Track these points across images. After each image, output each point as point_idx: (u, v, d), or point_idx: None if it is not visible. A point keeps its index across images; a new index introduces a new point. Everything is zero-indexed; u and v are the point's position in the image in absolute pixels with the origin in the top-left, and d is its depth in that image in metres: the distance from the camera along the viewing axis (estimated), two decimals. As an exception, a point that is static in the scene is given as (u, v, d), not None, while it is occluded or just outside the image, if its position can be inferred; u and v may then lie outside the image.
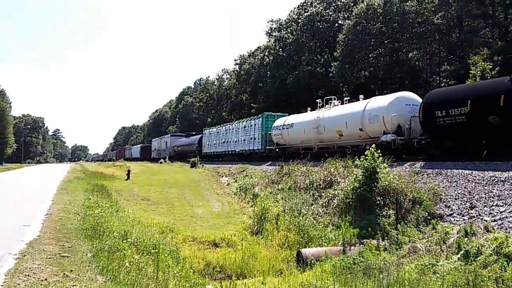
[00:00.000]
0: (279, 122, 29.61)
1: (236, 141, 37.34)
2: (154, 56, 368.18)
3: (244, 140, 35.22)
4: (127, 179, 27.56)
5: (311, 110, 27.03)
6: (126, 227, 10.58)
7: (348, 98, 24.40)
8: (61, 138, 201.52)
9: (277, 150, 29.39)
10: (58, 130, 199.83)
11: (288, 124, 27.65)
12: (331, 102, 24.28)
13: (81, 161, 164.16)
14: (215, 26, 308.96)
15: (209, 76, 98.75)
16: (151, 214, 16.12)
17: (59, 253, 7.26)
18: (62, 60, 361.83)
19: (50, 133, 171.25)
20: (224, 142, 40.56)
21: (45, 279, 5.77)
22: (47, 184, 21.44)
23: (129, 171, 29.38)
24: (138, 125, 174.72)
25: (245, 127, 35.45)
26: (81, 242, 8.35)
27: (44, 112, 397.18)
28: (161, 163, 53.07)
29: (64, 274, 6.12)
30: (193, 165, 39.14)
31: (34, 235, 8.44)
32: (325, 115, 23.48)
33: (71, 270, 6.35)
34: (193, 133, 59.71)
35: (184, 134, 64.54)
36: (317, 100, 26.04)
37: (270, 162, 27.63)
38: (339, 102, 24.17)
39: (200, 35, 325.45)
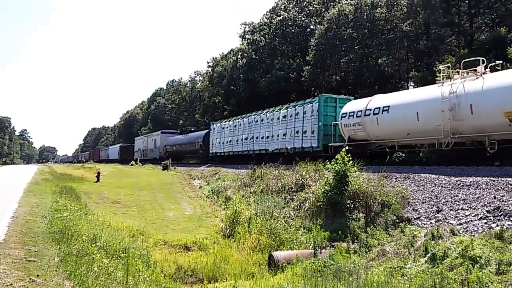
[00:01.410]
0: (354, 106, 20.47)
1: (268, 137, 27.69)
2: (125, 56, 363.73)
3: (284, 135, 25.57)
4: (96, 182, 27.09)
5: (415, 87, 19.20)
6: (95, 230, 10.39)
7: (501, 62, 16.89)
8: (29, 139, 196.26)
9: (349, 148, 18.66)
10: (26, 130, 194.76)
11: (378, 108, 18.36)
12: (463, 70, 15.84)
13: (49, 162, 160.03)
14: (188, 27, 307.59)
15: (181, 78, 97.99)
16: (121, 217, 15.89)
17: (25, 257, 7.08)
18: (29, 59, 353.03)
19: (17, 133, 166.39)
20: (246, 139, 31.09)
21: (11, 284, 5.63)
22: (14, 186, 20.84)
23: (99, 173, 28.87)
24: (108, 126, 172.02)
25: (285, 116, 25.87)
26: (48, 246, 8.16)
27: (10, 111, 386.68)
28: (132, 165, 52.28)
29: (30, 279, 5.97)
30: (165, 168, 38.85)
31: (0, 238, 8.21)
32: (470, 88, 14.59)
33: (38, 275, 6.20)
34: (192, 129, 51.43)
35: (177, 131, 56.21)
36: (440, 68, 16.83)
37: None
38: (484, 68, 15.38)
39: (173, 36, 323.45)
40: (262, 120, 29.05)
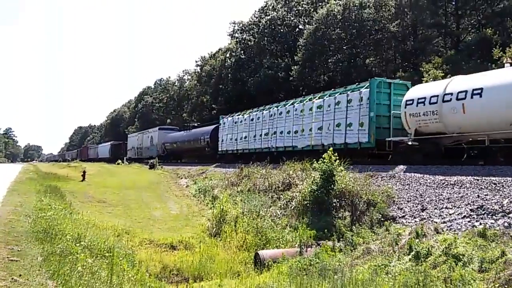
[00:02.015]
0: (425, 90, 16.41)
1: (297, 132, 23.26)
2: (113, 54, 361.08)
3: (320, 128, 21.17)
4: (82, 181, 26.82)
5: None
6: (79, 230, 10.29)
7: None
8: (13, 137, 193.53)
9: (413, 143, 16.28)
10: (10, 129, 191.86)
11: (463, 91, 14.32)
12: None
13: (34, 161, 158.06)
14: (177, 26, 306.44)
15: (169, 77, 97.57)
16: (107, 217, 15.76)
17: (8, 257, 6.97)
18: (13, 56, 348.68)
19: (1, 132, 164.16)
20: (266, 134, 26.66)
21: (-8, 284, 5.54)
22: (-3, 185, 20.52)
23: (84, 172, 28.58)
24: (95, 125, 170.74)
25: (320, 107, 21.44)
26: (31, 245, 8.05)
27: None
28: (118, 164, 51.85)
29: (12, 278, 5.88)
30: (152, 167, 38.63)
31: (-19, 238, 8.08)
32: None
33: (20, 275, 6.11)
34: (196, 124, 47.07)
35: (176, 127, 52.64)
36: None
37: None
38: None
39: (161, 35, 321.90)
40: (288, 112, 24.58)
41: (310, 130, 22.01)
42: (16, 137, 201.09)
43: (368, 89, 18.55)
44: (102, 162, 62.47)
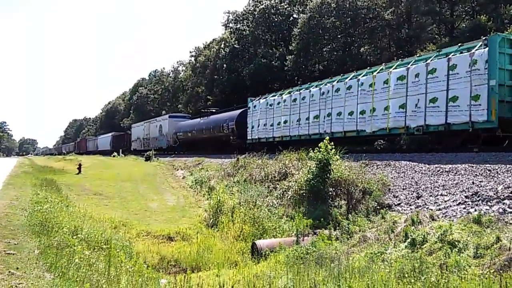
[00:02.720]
0: None
1: (364, 112, 18.45)
2: (107, 46, 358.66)
3: (401, 106, 16.53)
4: (78, 173, 26.75)
5: None
6: (76, 222, 10.29)
7: None
8: (8, 131, 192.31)
9: None
10: (5, 122, 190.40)
11: None
12: None
13: (29, 155, 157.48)
14: (170, 16, 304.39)
15: (164, 68, 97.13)
16: (104, 209, 15.77)
17: (4, 251, 6.98)
18: (6, 50, 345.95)
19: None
20: (316, 117, 21.72)
21: (-11, 278, 5.55)
22: (-8, 180, 20.44)
23: (80, 165, 28.48)
24: (90, 118, 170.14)
25: (402, 78, 16.53)
26: (28, 238, 8.06)
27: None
28: (114, 156, 51.70)
29: (9, 272, 5.90)
30: (148, 159, 38.58)
31: (-22, 232, 8.07)
32: None
33: (17, 268, 6.13)
34: (213, 110, 40.48)
35: (188, 115, 48.33)
36: None
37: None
38: None
39: (155, 26, 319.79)
40: (349, 88, 19.55)
41: (386, 109, 17.33)
42: (10, 131, 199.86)
43: (486, 49, 13.52)
44: (97, 155, 62.04)
